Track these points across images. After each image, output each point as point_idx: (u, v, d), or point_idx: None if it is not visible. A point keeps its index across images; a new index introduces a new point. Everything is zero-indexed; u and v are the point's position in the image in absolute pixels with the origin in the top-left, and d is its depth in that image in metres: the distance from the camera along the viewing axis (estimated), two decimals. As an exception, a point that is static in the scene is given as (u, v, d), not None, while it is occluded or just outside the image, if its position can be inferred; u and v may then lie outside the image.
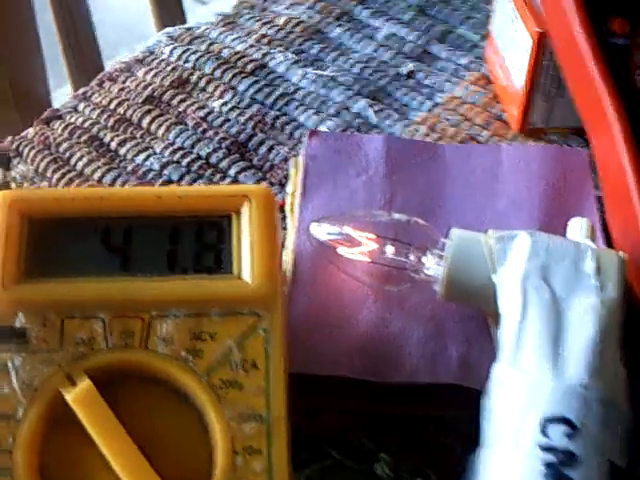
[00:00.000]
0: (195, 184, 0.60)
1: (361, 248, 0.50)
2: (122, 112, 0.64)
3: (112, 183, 0.60)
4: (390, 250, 0.49)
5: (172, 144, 0.62)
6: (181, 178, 0.60)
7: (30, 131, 0.64)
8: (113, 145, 0.62)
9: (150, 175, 0.60)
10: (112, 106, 0.65)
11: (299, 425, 0.43)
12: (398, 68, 0.69)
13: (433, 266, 0.48)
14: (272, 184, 0.60)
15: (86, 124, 0.64)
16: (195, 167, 0.61)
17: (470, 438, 0.43)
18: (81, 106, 0.65)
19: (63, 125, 0.64)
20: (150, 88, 0.66)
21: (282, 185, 0.60)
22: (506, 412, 0.42)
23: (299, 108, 0.65)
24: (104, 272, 0.43)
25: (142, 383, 0.41)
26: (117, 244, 0.44)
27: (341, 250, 0.50)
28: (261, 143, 0.63)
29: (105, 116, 0.64)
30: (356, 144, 0.58)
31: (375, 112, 0.65)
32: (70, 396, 0.39)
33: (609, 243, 0.53)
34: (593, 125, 0.56)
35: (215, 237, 0.44)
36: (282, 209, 0.57)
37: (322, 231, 0.51)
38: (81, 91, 0.66)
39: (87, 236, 0.44)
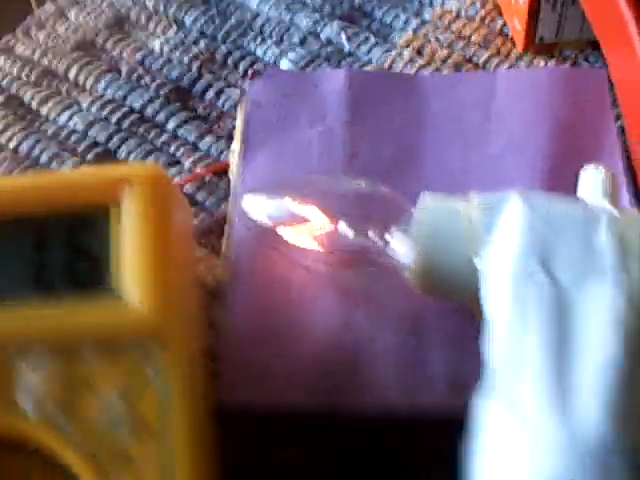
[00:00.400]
0: (124, 145, 0.49)
1: (307, 227, 0.38)
2: (46, 63, 0.54)
3: (29, 152, 0.50)
4: (344, 228, 0.38)
5: (101, 97, 0.52)
6: (109, 139, 0.50)
7: (-60, 95, 0.54)
8: (34, 104, 0.52)
9: (73, 138, 0.50)
10: (36, 57, 0.54)
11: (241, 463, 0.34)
12: (378, -20, 0.57)
13: (401, 247, 0.37)
14: (218, 137, 0.49)
15: (4, 82, 0.53)
16: (126, 123, 0.50)
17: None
18: (0, 60, 0.55)
19: (-23, 85, 0.53)
20: (81, 32, 0.56)
21: (231, 138, 0.49)
22: (493, 474, 0.30)
23: (256, 39, 0.54)
24: None
25: (7, 451, 0.32)
26: None
27: (282, 231, 0.39)
28: (208, 87, 0.52)
29: (27, 70, 0.54)
30: (311, 83, 0.46)
31: (348, 37, 0.53)
32: None
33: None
34: (609, 37, 0.44)
35: (88, 240, 0.33)
36: (225, 172, 0.47)
37: (258, 206, 0.39)
38: (2, 42, 0.56)
39: None
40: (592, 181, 0.37)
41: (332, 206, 0.38)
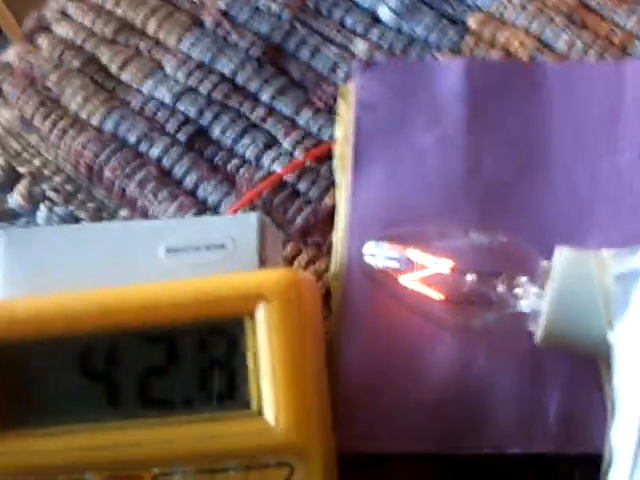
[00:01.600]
0: (217, 121, 0.46)
1: (430, 277, 0.36)
2: (122, 14, 0.50)
3: (115, 130, 0.46)
4: (471, 280, 0.35)
5: (187, 59, 0.48)
6: (200, 114, 0.46)
7: (10, 53, 0.50)
8: (113, 68, 0.48)
9: (160, 113, 0.47)
10: (109, 6, 0.50)
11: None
12: None
13: (529, 300, 0.34)
14: (317, 110, 0.45)
15: (79, 38, 0.49)
16: (218, 95, 0.47)
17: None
18: (71, 7, 0.50)
19: (51, 42, 0.49)
20: (155, -30, 0.50)
21: (331, 112, 0.45)
22: None
23: (351, -24, 0.49)
24: (88, 412, 0.33)
25: None
26: (99, 369, 0.33)
27: (405, 279, 0.36)
28: (302, 43, 0.47)
29: (101, 22, 0.50)
30: (427, 77, 0.42)
31: (453, -27, 0.48)
32: None
33: None
34: None
35: (224, 351, 0.33)
36: (329, 155, 0.43)
37: (380, 254, 0.37)
38: (69, -17, 0.51)
39: (62, 362, 0.33)
40: None
41: (460, 257, 0.36)
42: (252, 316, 0.32)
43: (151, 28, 0.49)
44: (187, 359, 0.33)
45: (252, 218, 0.36)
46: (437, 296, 0.36)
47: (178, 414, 0.33)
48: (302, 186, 0.44)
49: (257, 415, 0.32)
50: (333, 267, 0.40)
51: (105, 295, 0.34)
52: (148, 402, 0.33)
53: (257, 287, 0.33)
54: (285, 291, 0.33)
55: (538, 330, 0.34)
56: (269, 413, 0.32)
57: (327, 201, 0.43)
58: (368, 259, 0.38)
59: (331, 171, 0.44)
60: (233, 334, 0.33)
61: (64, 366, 0.33)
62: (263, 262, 0.36)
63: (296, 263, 0.42)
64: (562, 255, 0.34)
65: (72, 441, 0.32)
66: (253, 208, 0.44)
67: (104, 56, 0.48)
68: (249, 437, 0.32)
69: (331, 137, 0.44)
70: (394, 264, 0.37)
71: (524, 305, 0.35)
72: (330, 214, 0.43)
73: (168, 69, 0.47)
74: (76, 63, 0.49)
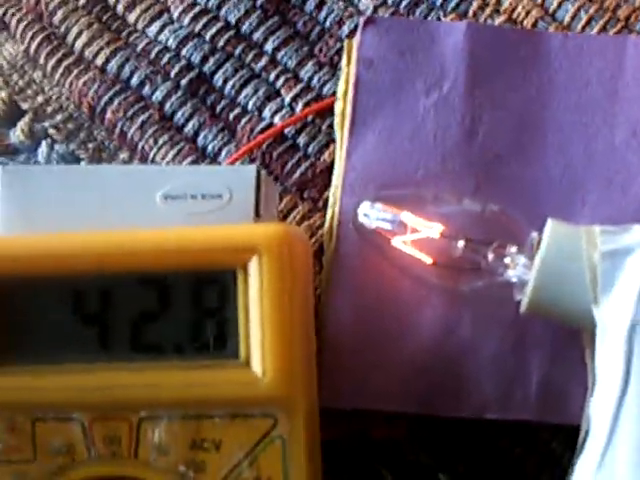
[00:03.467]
0: (220, 69, 0.46)
1: (422, 241, 0.37)
2: (130, -47, 0.49)
3: (118, 71, 0.47)
4: (461, 246, 0.36)
5: (193, 4, 0.48)
6: (204, 60, 0.46)
7: (18, -15, 0.50)
8: (119, 9, 0.48)
9: (165, 58, 0.47)
10: (117, -57, 0.50)
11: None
12: None
13: (517, 270, 0.35)
14: (320, 65, 0.46)
15: (86, -26, 0.49)
16: (221, 42, 0.47)
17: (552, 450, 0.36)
18: (80, -57, 0.50)
19: (58, -23, 0.49)
20: None
21: (335, 66, 0.45)
22: None
23: None
24: (78, 352, 0.34)
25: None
26: (91, 311, 0.34)
27: (396, 241, 0.37)
28: (308, -6, 0.47)
29: (109, -40, 0.49)
30: (429, 38, 0.42)
31: None
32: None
33: None
34: None
35: (215, 301, 0.33)
36: (330, 111, 0.44)
37: (374, 215, 0.38)
38: None
39: (55, 302, 0.34)
40: None
41: (452, 223, 0.37)
42: (245, 268, 0.33)
43: (159, -30, 0.49)
44: (179, 306, 0.34)
45: (250, 171, 0.37)
46: (427, 259, 0.37)
47: (167, 359, 0.34)
48: (302, 140, 0.44)
49: (245, 366, 0.33)
50: (327, 224, 0.41)
51: (100, 238, 0.35)
52: (139, 346, 0.34)
53: (251, 240, 0.34)
54: (277, 246, 0.33)
55: (524, 299, 0.35)
56: (256, 365, 0.33)
57: (326, 157, 0.44)
58: (362, 219, 0.38)
59: (332, 127, 0.44)
60: (225, 285, 0.33)
61: (56, 306, 0.34)
62: (258, 215, 0.36)
63: (291, 217, 0.43)
64: (552, 228, 0.35)
65: (61, 380, 0.33)
66: (252, 159, 0.44)
67: (111, -5, 0.48)
68: (235, 387, 0.33)
69: (333, 93, 0.45)
70: (387, 225, 0.37)
71: (512, 274, 0.35)
72: (328, 170, 0.43)
73: (174, 13, 0.48)
74: (82, 0, 0.48)
